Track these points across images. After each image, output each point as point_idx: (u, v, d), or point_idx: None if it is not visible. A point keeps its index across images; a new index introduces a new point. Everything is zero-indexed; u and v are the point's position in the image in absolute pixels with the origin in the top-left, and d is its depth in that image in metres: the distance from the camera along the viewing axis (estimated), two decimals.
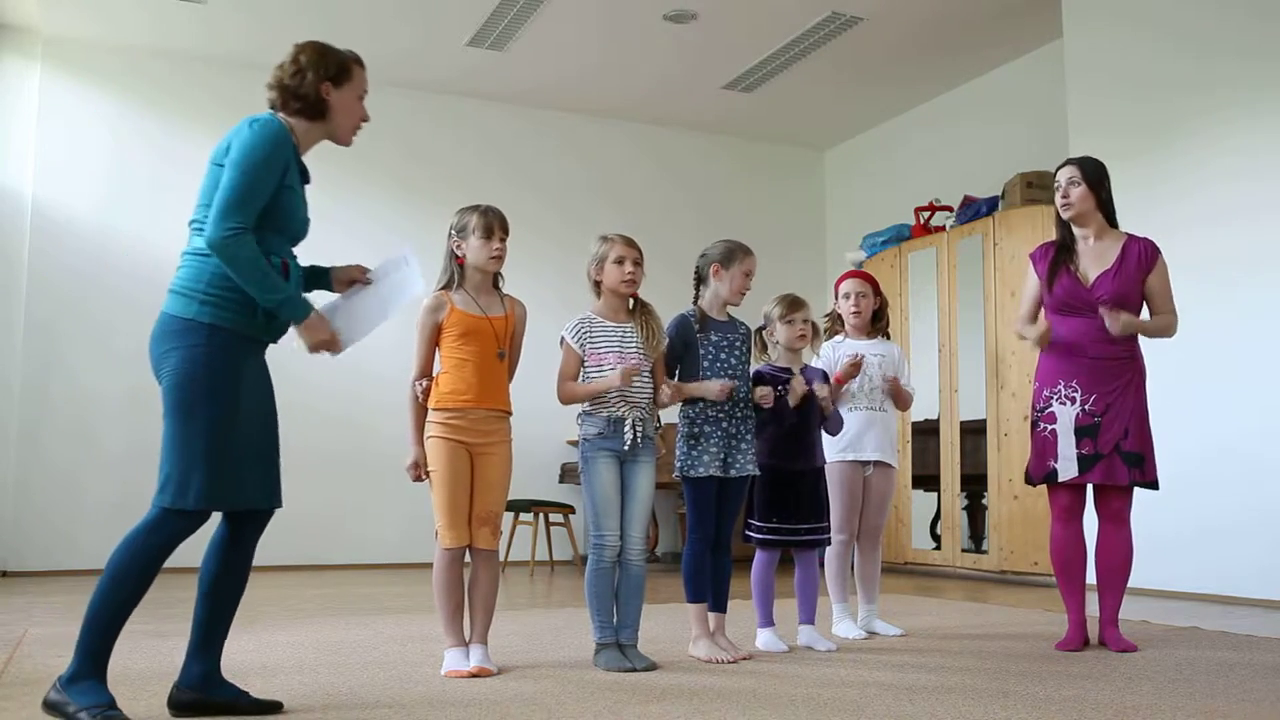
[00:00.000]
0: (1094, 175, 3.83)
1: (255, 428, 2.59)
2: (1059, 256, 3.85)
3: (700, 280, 3.71)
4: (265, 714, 2.60)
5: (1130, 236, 3.84)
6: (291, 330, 2.66)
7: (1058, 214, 3.90)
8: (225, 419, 2.49)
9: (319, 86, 2.66)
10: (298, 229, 2.70)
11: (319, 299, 2.72)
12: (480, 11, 6.83)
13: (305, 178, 2.73)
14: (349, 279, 2.83)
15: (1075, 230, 3.86)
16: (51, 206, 7.08)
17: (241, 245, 2.47)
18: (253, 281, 2.49)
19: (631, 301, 3.51)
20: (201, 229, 2.55)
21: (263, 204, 2.53)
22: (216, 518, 2.61)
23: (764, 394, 3.61)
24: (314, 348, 2.64)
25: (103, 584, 2.43)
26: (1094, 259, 3.81)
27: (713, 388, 3.48)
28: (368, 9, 6.79)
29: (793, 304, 3.83)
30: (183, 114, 7.36)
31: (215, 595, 2.62)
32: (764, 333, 3.87)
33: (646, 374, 3.43)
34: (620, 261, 3.42)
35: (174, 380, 2.48)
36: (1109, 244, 3.82)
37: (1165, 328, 3.79)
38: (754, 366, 3.79)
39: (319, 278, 2.83)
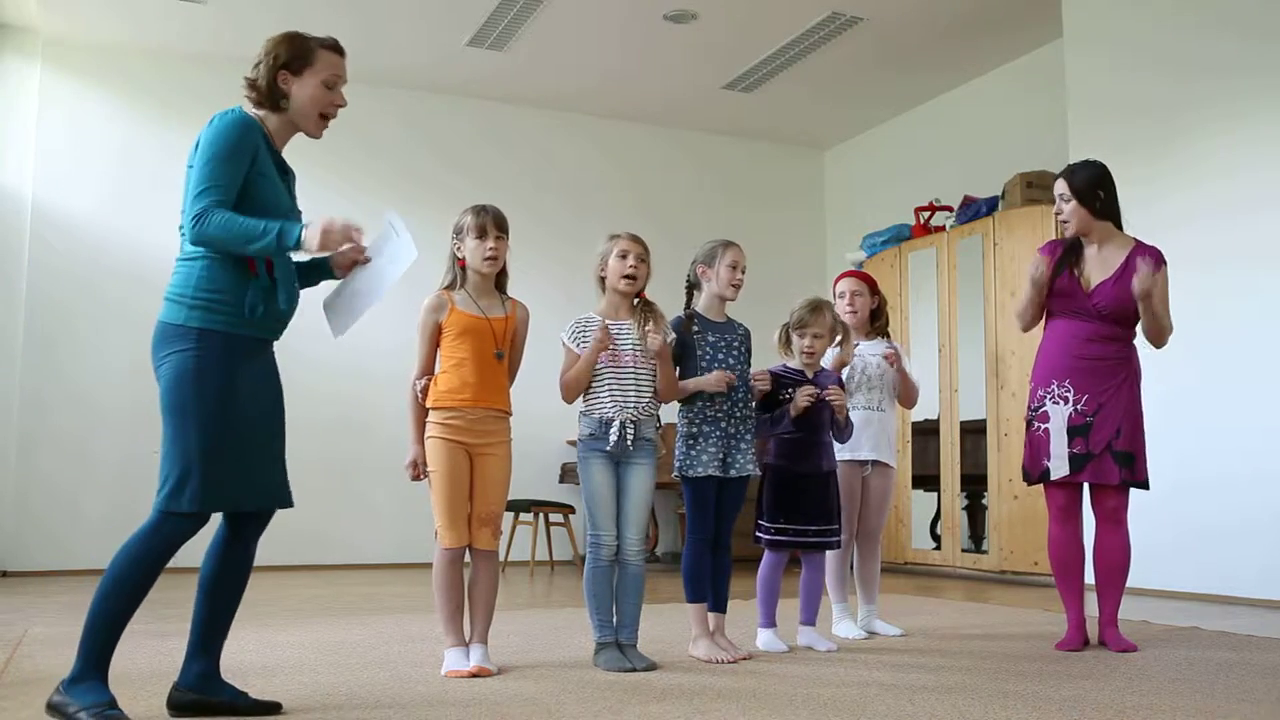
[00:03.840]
0: (1083, 185, 3.78)
1: (258, 429, 2.57)
2: (1066, 256, 3.83)
3: (693, 286, 3.71)
4: (265, 714, 2.59)
5: (1138, 244, 3.81)
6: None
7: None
8: (218, 421, 2.47)
9: (274, 75, 2.61)
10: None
11: (325, 289, 2.72)
12: (480, 11, 6.83)
13: (284, 171, 2.68)
14: (349, 262, 2.73)
15: (1083, 239, 3.84)
16: (52, 208, 7.08)
17: (210, 221, 2.43)
18: (238, 242, 2.45)
19: (637, 302, 3.50)
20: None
21: (234, 190, 2.48)
22: (217, 517, 2.61)
23: (810, 395, 3.62)
24: (332, 245, 2.52)
25: (104, 586, 2.43)
26: (1098, 266, 3.79)
27: (710, 379, 3.48)
28: (368, 8, 6.79)
29: (812, 312, 3.74)
30: (183, 114, 7.29)
31: (215, 595, 2.62)
32: (789, 329, 3.80)
33: (648, 372, 3.42)
34: (624, 255, 3.42)
35: (167, 384, 2.49)
36: (1114, 251, 3.79)
37: (1164, 328, 3.75)
38: (772, 364, 3.78)
39: (320, 269, 2.79)
